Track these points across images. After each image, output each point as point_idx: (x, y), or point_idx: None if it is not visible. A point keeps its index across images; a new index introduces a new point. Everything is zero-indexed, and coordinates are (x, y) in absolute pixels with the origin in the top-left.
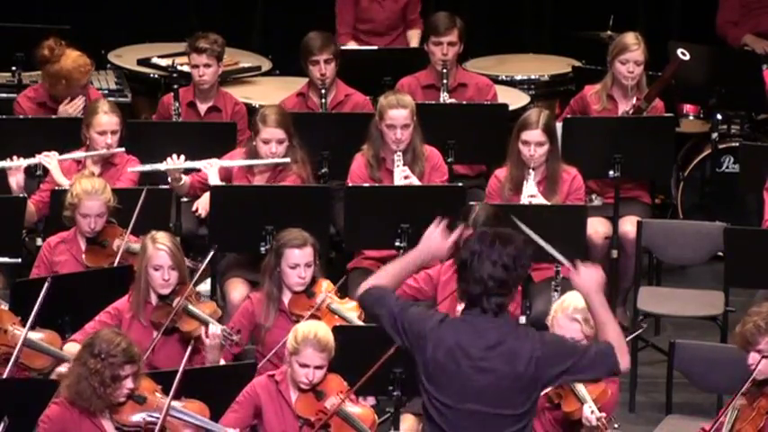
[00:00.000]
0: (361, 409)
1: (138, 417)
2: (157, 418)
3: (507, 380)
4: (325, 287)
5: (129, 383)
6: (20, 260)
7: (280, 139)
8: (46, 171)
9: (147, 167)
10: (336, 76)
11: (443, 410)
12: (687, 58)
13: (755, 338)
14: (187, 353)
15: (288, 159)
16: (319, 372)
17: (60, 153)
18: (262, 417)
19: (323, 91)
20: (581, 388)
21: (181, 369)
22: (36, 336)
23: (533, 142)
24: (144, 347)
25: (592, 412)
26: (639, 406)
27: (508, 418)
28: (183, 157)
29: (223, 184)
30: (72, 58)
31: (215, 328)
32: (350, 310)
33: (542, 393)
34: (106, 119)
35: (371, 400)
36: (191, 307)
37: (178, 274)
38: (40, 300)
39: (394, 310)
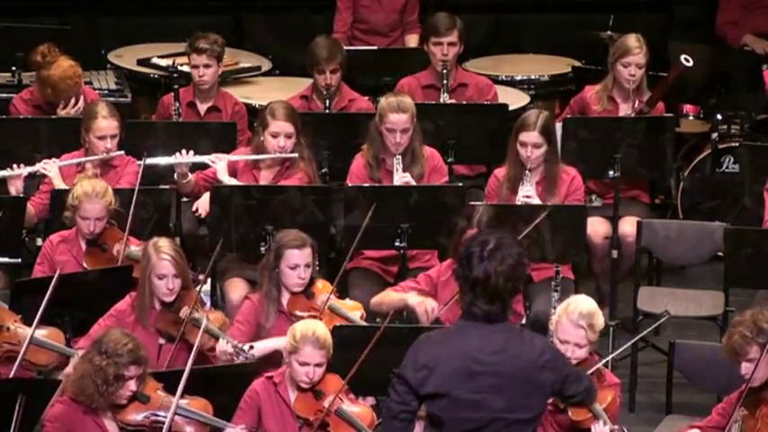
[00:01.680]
0: (359, 408)
1: (142, 416)
2: (162, 416)
3: (515, 381)
4: (325, 287)
5: (132, 385)
6: (20, 260)
7: (288, 134)
8: None
9: (157, 160)
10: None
11: (450, 422)
12: (690, 64)
13: (744, 349)
14: (193, 353)
15: (296, 154)
16: (319, 370)
17: (60, 153)
18: (261, 419)
19: (327, 102)
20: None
21: (187, 369)
22: (39, 333)
23: (530, 144)
24: (148, 352)
25: (604, 423)
26: (639, 406)
27: (517, 424)
28: (192, 152)
29: (231, 180)
30: (62, 69)
31: (226, 344)
32: (351, 310)
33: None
34: (105, 123)
35: (371, 400)
36: (203, 322)
37: (182, 281)
38: (48, 295)
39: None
